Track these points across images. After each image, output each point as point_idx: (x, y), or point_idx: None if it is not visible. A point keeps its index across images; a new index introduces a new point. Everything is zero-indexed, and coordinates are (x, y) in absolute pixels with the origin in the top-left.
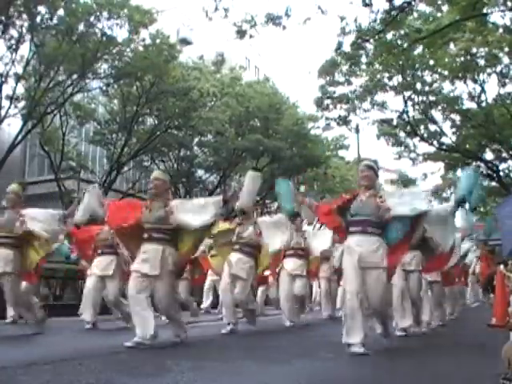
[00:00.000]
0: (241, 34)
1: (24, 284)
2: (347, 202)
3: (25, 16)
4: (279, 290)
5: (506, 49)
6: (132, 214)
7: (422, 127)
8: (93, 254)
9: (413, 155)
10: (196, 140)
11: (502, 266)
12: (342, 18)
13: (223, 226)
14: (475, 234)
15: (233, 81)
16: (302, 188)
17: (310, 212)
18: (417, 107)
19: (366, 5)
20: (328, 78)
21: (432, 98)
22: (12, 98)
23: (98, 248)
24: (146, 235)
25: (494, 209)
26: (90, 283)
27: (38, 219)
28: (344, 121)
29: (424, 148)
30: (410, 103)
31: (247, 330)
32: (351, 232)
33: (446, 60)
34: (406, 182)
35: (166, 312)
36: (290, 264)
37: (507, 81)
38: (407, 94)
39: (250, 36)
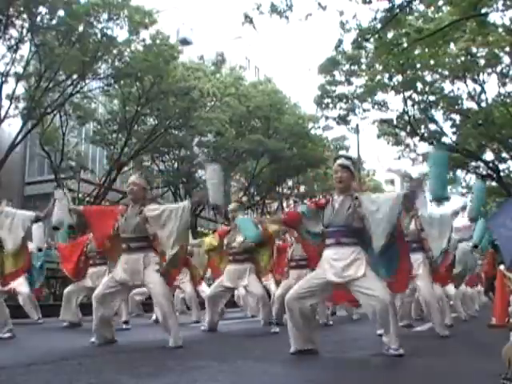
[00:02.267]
0: (248, 19)
1: None
2: (319, 207)
3: (25, 16)
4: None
5: (507, 48)
6: (109, 222)
7: (422, 127)
8: (85, 264)
9: (413, 155)
10: (196, 140)
11: (502, 266)
12: (341, 13)
13: (209, 242)
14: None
15: (236, 81)
16: (302, 188)
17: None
18: (417, 107)
19: (365, 2)
20: (328, 77)
21: (432, 98)
22: (12, 98)
23: (90, 259)
24: (124, 245)
25: (494, 208)
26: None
27: (5, 226)
28: (344, 120)
29: (424, 148)
30: (410, 103)
31: (247, 330)
32: (327, 245)
33: (446, 60)
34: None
35: (162, 311)
36: (295, 276)
37: (507, 80)
38: (407, 93)
39: (254, 26)
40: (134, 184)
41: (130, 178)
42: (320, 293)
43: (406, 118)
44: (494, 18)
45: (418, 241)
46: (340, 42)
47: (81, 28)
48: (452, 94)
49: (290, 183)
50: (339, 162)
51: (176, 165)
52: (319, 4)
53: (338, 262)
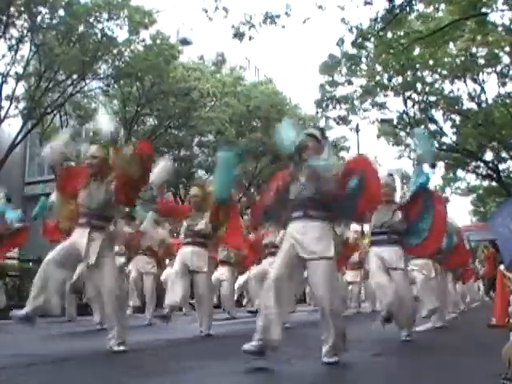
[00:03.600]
0: (239, 35)
1: None
2: (285, 184)
3: (25, 16)
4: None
5: (507, 48)
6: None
7: (422, 127)
8: None
9: (413, 155)
10: (196, 140)
11: (502, 266)
12: (342, 8)
13: None
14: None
15: (236, 81)
16: None
17: None
18: (417, 107)
19: (366, 3)
20: (328, 79)
21: (432, 98)
22: (12, 98)
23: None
24: (82, 220)
25: (494, 208)
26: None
27: None
28: (344, 120)
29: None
30: (410, 103)
31: (247, 330)
32: (293, 218)
33: (446, 60)
34: (407, 181)
35: (111, 308)
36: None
37: (507, 80)
38: (407, 93)
39: (250, 38)
40: (93, 157)
41: (90, 149)
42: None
43: (406, 118)
44: (494, 17)
45: (398, 233)
46: (342, 41)
47: (81, 28)
48: (452, 95)
49: None
50: (305, 131)
51: (176, 165)
52: (320, 7)
53: (304, 236)
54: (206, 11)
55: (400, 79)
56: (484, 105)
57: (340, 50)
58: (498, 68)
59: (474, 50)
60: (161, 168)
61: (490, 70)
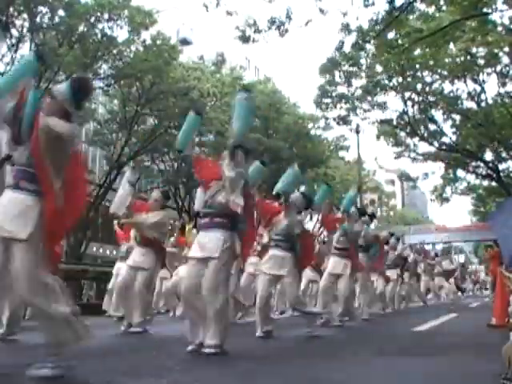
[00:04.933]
0: (244, 39)
1: None
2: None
3: (25, 16)
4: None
5: (506, 48)
6: None
7: (422, 127)
8: None
9: (413, 155)
10: (196, 140)
11: (502, 266)
12: (345, 14)
13: None
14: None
15: (235, 81)
16: (303, 188)
17: None
18: (416, 107)
19: (367, 5)
20: (328, 78)
21: (432, 98)
22: None
23: None
24: None
25: (494, 208)
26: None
27: None
28: (344, 120)
29: (424, 148)
30: (409, 103)
31: (245, 331)
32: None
33: (446, 60)
34: (406, 180)
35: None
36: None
37: (507, 80)
38: (407, 94)
39: (253, 40)
40: None
41: None
42: None
43: (406, 118)
44: (494, 17)
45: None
46: (342, 44)
47: (81, 28)
48: (452, 94)
49: None
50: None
51: (176, 165)
52: (320, 10)
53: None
54: (207, 7)
55: (400, 79)
56: (484, 104)
57: (339, 53)
58: (498, 68)
59: (474, 50)
60: None
61: (489, 70)
